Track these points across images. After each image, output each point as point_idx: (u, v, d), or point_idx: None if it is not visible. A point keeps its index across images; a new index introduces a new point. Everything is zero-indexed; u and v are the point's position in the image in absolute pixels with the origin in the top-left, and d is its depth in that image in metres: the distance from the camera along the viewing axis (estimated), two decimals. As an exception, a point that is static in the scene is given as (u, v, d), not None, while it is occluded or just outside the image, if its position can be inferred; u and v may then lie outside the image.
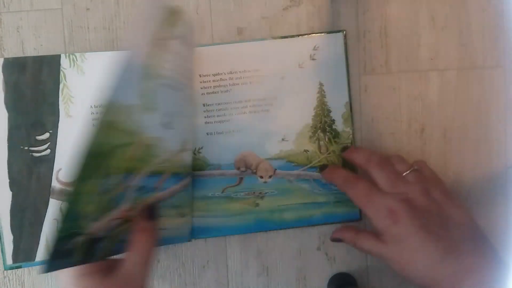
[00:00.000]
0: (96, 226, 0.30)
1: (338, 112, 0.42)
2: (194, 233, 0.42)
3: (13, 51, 0.42)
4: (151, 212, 0.34)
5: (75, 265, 0.31)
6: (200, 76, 0.41)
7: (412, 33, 0.42)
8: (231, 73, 0.41)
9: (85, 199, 0.29)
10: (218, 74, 0.41)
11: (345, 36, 0.42)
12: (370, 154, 0.39)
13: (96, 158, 0.28)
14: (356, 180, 0.38)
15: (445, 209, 0.36)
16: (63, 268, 0.31)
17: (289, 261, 0.44)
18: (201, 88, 0.41)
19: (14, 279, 0.43)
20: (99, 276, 0.31)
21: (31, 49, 0.42)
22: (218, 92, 0.41)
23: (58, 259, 0.29)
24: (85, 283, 0.31)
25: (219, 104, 0.42)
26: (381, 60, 0.42)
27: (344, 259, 0.44)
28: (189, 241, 0.42)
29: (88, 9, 0.42)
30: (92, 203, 0.29)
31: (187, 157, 0.40)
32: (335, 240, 0.40)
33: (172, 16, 0.32)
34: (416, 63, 0.42)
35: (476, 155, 0.43)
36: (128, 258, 0.32)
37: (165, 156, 0.34)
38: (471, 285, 0.32)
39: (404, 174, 0.38)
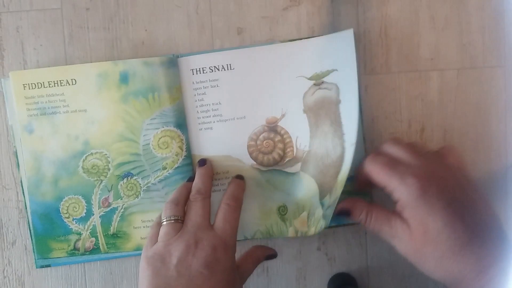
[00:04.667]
0: None
1: None
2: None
3: (13, 51, 0.42)
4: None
5: None
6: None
7: (412, 33, 0.42)
8: None
9: None
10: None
11: (354, 34, 0.40)
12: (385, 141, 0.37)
13: None
14: (375, 154, 0.36)
15: (469, 193, 0.33)
16: None
17: (289, 261, 0.44)
18: None
19: (14, 279, 0.43)
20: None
21: (31, 49, 0.42)
22: None
23: None
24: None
25: None
26: (381, 60, 0.42)
27: (344, 259, 0.44)
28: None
29: (87, 9, 0.42)
30: None
31: None
32: (342, 212, 0.36)
33: None
34: (416, 63, 0.42)
35: (476, 155, 0.43)
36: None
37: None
38: (494, 275, 0.30)
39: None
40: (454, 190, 0.32)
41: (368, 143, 0.42)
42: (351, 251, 0.43)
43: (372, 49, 0.42)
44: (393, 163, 0.33)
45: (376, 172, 0.34)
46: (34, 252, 0.42)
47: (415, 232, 0.32)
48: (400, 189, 0.32)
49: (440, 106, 0.43)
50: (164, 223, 0.36)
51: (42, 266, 0.43)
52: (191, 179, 0.40)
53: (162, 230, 0.36)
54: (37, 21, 0.42)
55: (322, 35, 0.41)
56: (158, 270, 0.33)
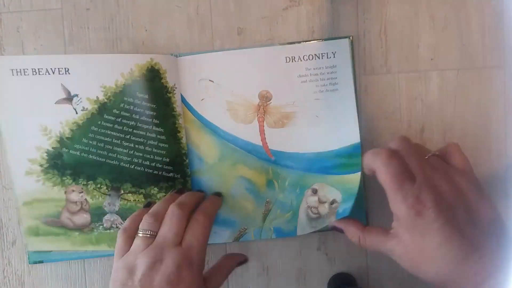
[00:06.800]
0: None
1: None
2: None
3: (13, 51, 0.42)
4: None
5: None
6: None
7: (412, 33, 0.42)
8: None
9: None
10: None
11: (351, 42, 0.42)
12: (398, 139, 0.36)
13: None
14: (391, 156, 0.34)
15: (472, 201, 0.33)
16: None
17: (289, 261, 0.44)
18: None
19: (14, 279, 0.43)
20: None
21: (31, 49, 0.42)
22: None
23: None
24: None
25: None
26: (381, 60, 0.42)
27: (344, 259, 0.44)
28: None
29: (88, 9, 0.42)
30: None
31: None
32: (335, 229, 0.38)
33: None
34: (416, 63, 0.42)
35: (476, 155, 0.43)
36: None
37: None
38: (492, 286, 0.30)
39: (426, 157, 0.35)
40: (454, 207, 0.32)
41: (367, 143, 0.43)
42: (351, 251, 0.44)
43: (372, 50, 0.42)
44: (401, 179, 0.33)
45: (384, 180, 0.34)
46: (26, 247, 0.42)
47: (411, 250, 0.33)
48: (400, 207, 0.33)
49: (440, 106, 0.43)
50: (140, 235, 0.36)
51: (34, 262, 0.42)
52: (179, 191, 0.41)
53: (136, 242, 0.36)
54: (37, 21, 0.42)
55: (320, 38, 0.42)
56: (124, 282, 0.34)
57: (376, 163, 0.34)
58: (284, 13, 0.42)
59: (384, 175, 0.34)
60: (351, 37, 0.42)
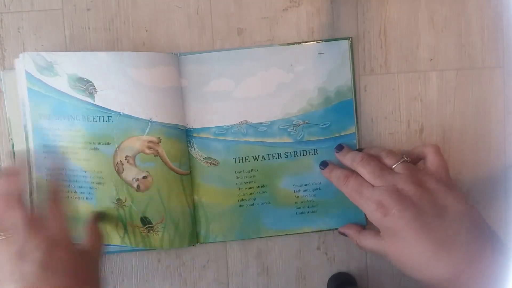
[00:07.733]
0: None
1: None
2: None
3: (14, 51, 0.42)
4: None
5: None
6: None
7: (411, 34, 0.42)
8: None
9: None
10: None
11: (351, 43, 0.42)
12: (355, 154, 0.39)
13: None
14: (347, 177, 0.38)
15: (440, 198, 0.35)
16: None
17: (289, 261, 0.44)
18: None
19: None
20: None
21: (32, 49, 0.42)
22: None
23: None
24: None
25: None
26: (381, 60, 0.43)
27: (343, 259, 0.44)
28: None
29: (88, 9, 0.42)
30: None
31: None
32: (341, 233, 0.42)
33: None
34: (415, 63, 0.43)
35: (475, 155, 0.43)
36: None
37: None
38: (470, 276, 0.32)
39: (393, 166, 0.37)
40: (420, 205, 0.34)
41: (367, 143, 0.43)
42: (351, 251, 0.44)
43: (372, 50, 0.42)
44: (360, 189, 0.37)
45: (348, 196, 0.38)
46: None
47: (393, 249, 0.35)
48: (367, 214, 0.37)
49: (439, 107, 0.43)
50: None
51: None
52: None
53: None
54: (38, 21, 0.42)
55: (320, 39, 0.42)
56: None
57: (338, 186, 0.39)
58: (284, 13, 0.42)
59: (348, 194, 0.38)
60: (350, 38, 0.42)
